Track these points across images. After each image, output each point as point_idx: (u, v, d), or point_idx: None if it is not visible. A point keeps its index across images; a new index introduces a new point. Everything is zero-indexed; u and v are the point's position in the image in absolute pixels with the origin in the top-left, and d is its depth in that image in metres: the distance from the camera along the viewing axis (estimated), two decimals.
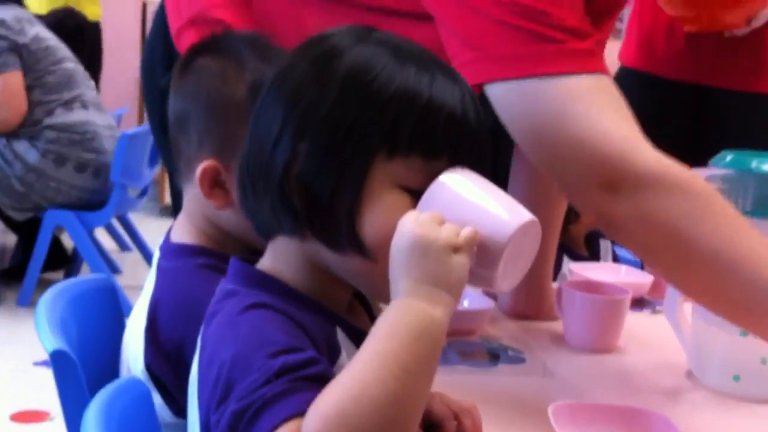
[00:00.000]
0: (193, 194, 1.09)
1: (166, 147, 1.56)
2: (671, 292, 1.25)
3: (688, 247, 0.98)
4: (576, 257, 2.05)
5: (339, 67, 0.79)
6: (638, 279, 1.61)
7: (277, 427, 0.67)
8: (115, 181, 3.36)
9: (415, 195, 0.78)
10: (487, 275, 0.77)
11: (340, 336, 0.81)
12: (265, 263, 0.85)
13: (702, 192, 0.99)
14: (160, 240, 1.14)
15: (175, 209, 1.63)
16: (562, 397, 0.99)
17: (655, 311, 1.57)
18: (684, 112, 2.25)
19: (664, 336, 1.44)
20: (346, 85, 0.79)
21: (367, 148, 0.78)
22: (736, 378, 1.17)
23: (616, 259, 1.84)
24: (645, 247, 1.05)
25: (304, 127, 0.78)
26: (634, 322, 1.36)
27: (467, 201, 0.78)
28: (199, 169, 1.05)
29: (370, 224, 0.78)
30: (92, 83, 3.57)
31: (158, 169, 4.09)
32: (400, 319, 0.71)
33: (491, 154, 0.83)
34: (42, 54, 3.36)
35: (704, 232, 0.97)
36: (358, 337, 0.81)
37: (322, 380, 0.70)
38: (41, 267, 3.47)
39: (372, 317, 0.90)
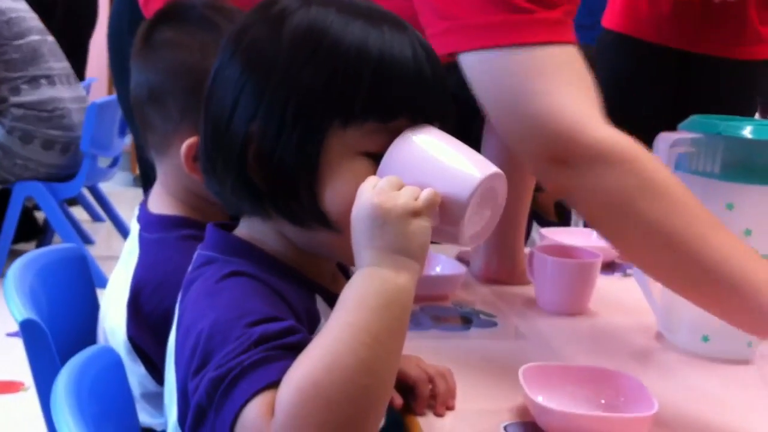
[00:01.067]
0: (171, 166, 1.08)
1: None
2: None
3: (627, 221, 1.00)
4: (545, 224, 2.06)
5: (285, 33, 0.78)
6: None
7: (254, 395, 0.67)
8: (85, 151, 3.33)
9: (376, 159, 0.77)
10: (452, 231, 0.76)
11: (320, 304, 0.81)
12: (242, 231, 0.84)
13: (646, 168, 1.00)
14: (133, 211, 1.13)
15: (144, 180, 1.62)
16: (533, 359, 1.00)
17: (625, 274, 1.58)
18: (667, 77, 2.26)
19: (634, 298, 1.45)
20: (294, 54, 0.77)
21: (320, 119, 0.76)
22: (705, 338, 1.19)
23: (587, 224, 1.85)
24: (590, 218, 1.08)
25: (257, 105, 0.77)
26: (605, 285, 1.37)
27: (426, 159, 0.76)
28: (184, 146, 1.03)
29: (331, 196, 0.77)
30: (62, 54, 3.49)
31: (129, 138, 4.05)
32: (367, 288, 0.71)
33: (451, 106, 0.82)
34: (4, 28, 3.29)
35: (642, 207, 0.99)
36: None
37: (299, 349, 0.70)
38: (12, 238, 3.44)
39: None
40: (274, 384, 0.67)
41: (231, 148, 0.78)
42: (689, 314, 1.20)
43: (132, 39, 1.41)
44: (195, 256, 0.83)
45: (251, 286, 0.75)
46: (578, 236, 1.64)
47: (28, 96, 3.26)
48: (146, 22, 1.13)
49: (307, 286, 0.81)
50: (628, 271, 1.60)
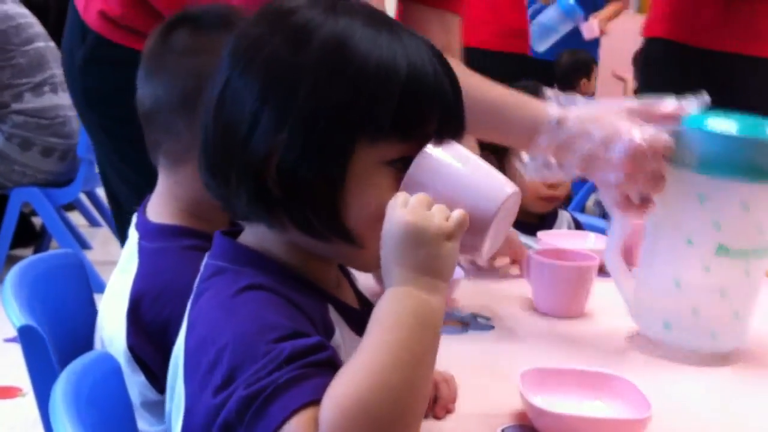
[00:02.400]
0: (188, 174, 1.05)
1: (95, 122, 1.52)
2: (610, 240, 1.29)
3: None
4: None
5: (312, 50, 0.76)
6: (605, 246, 1.62)
7: (292, 414, 0.67)
8: (82, 157, 3.33)
9: (395, 165, 0.77)
10: (474, 245, 0.78)
11: (332, 313, 0.80)
12: (248, 239, 0.83)
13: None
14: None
15: (113, 203, 1.60)
16: (530, 362, 1.00)
17: None
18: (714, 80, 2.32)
19: None
20: (322, 70, 0.76)
21: (349, 137, 0.76)
22: (667, 326, 1.19)
23: (579, 227, 1.85)
24: None
25: (282, 119, 0.75)
26: (602, 287, 1.37)
27: (453, 175, 0.78)
28: None
29: (355, 211, 0.77)
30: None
31: None
32: (405, 308, 0.72)
33: (464, 115, 0.82)
34: (12, 33, 3.28)
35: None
36: (347, 313, 0.82)
37: (332, 365, 0.70)
38: (9, 244, 3.44)
39: (355, 289, 0.91)
40: (310, 403, 0.68)
41: (250, 163, 0.76)
42: (652, 302, 1.21)
43: (78, 41, 1.42)
44: (203, 265, 0.82)
45: (269, 300, 0.74)
46: (575, 239, 1.65)
47: (30, 103, 3.26)
48: (162, 28, 1.11)
49: (319, 294, 0.80)
50: None
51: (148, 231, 1.09)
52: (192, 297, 0.80)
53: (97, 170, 3.49)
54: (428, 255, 0.73)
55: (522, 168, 1.27)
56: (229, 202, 0.81)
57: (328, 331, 0.78)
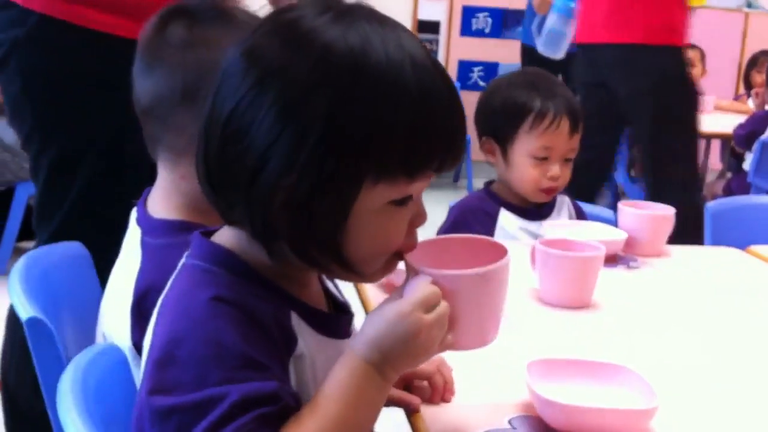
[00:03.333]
0: (188, 170, 1.03)
1: (27, 109, 1.53)
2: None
3: None
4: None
5: (330, 78, 0.74)
6: (612, 236, 1.62)
7: None
8: None
9: (399, 204, 0.79)
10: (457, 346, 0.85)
11: (294, 320, 0.80)
12: (226, 236, 0.83)
13: None
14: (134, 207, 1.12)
15: (38, 218, 1.61)
16: (537, 353, 1.00)
17: (629, 267, 1.59)
18: None
19: (637, 292, 1.46)
20: (339, 108, 0.74)
21: (358, 176, 0.76)
22: None
23: (579, 212, 1.85)
24: None
25: (294, 157, 0.74)
26: (608, 278, 1.37)
27: (462, 301, 0.82)
28: None
29: (356, 246, 0.78)
30: None
31: None
32: (359, 388, 0.77)
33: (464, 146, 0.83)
34: None
35: None
36: (313, 317, 0.82)
37: (281, 418, 0.73)
38: (16, 236, 3.44)
39: (325, 289, 0.91)
40: None
41: (257, 196, 0.76)
42: None
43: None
44: (180, 263, 0.84)
45: (230, 316, 0.75)
46: (581, 229, 1.64)
47: None
48: (156, 21, 1.10)
49: (284, 299, 0.81)
50: (632, 263, 1.60)
51: (151, 227, 1.08)
52: (165, 291, 0.82)
53: None
54: (409, 357, 0.79)
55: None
56: (226, 213, 0.82)
57: (290, 343, 0.79)
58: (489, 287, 0.83)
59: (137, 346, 1.01)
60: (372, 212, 0.77)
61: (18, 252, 3.38)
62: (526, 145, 1.71)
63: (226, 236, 0.83)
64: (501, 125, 1.73)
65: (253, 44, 0.78)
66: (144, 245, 1.07)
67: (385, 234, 0.79)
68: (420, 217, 0.82)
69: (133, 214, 1.12)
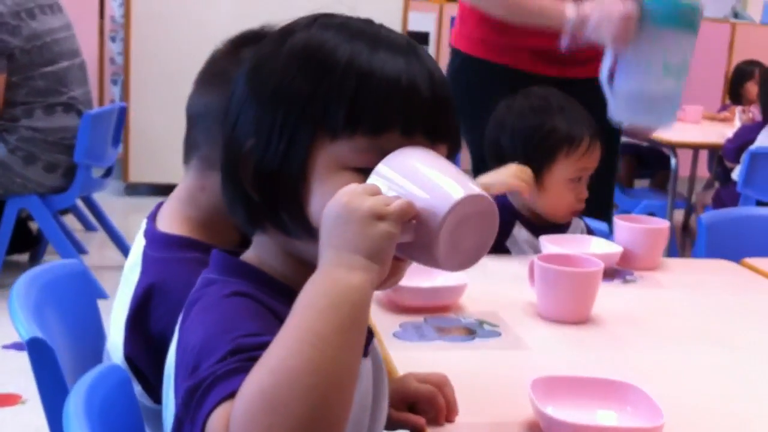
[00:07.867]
0: (211, 183, 1.05)
1: None
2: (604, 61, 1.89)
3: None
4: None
5: (283, 50, 0.81)
6: (607, 250, 1.63)
7: (216, 405, 0.68)
8: (79, 162, 3.32)
9: (362, 173, 0.78)
10: (429, 251, 0.75)
11: None
12: (249, 254, 0.86)
13: None
14: (126, 219, 1.13)
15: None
16: (539, 369, 1.00)
17: (625, 281, 1.59)
18: None
19: (635, 306, 1.46)
20: (287, 68, 0.80)
21: (304, 129, 0.78)
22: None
23: (590, 232, 1.85)
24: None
25: (253, 120, 0.80)
26: (606, 292, 1.37)
27: (410, 172, 0.76)
28: None
29: (316, 208, 0.78)
30: (85, 78, 3.40)
31: (122, 147, 4.04)
32: (317, 290, 0.71)
33: (456, 130, 0.82)
34: (36, 54, 3.18)
35: None
36: None
37: None
38: (6, 249, 3.42)
39: None
40: (233, 394, 0.68)
41: (230, 163, 0.82)
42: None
43: None
44: (199, 279, 0.84)
45: (248, 306, 0.76)
46: (577, 243, 1.65)
47: (40, 122, 3.20)
48: (234, 40, 1.13)
49: None
50: (628, 277, 1.60)
51: (154, 239, 1.09)
52: (185, 308, 0.81)
53: (94, 174, 3.50)
54: (354, 233, 0.72)
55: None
56: (231, 208, 0.85)
57: None
58: (419, 157, 0.77)
59: (129, 359, 1.01)
60: (332, 175, 0.78)
61: (8, 266, 3.36)
62: (563, 171, 1.71)
63: (248, 254, 0.86)
64: (532, 153, 1.71)
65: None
66: (144, 258, 1.07)
67: None
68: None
69: (143, 225, 1.12)
